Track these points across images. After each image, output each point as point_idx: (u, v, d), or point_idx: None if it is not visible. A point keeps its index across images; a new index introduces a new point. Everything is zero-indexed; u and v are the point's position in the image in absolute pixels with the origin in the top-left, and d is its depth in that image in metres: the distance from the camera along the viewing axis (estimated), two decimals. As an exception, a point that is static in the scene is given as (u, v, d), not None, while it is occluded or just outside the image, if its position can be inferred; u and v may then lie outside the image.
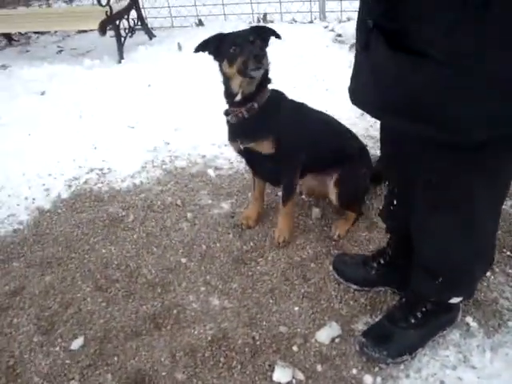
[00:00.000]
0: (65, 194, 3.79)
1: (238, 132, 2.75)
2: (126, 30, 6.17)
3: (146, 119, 4.55)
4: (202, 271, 2.97)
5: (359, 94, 1.89)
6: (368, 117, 3.97)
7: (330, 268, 2.86)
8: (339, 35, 5.65)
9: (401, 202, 2.25)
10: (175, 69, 5.34)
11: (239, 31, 2.67)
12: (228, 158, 3.99)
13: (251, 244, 3.13)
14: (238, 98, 2.61)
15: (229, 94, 2.65)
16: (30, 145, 4.42)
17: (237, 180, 3.74)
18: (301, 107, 2.91)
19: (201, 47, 2.61)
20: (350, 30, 5.75)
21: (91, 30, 6.03)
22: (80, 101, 5.03)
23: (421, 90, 1.59)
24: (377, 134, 3.78)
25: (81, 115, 4.78)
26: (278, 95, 2.80)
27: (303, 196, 3.48)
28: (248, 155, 2.89)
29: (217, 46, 2.57)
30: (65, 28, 6.62)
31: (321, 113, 3.04)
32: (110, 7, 5.71)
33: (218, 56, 2.59)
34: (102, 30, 5.53)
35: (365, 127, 3.99)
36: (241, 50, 2.44)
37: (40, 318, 2.83)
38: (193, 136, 4.25)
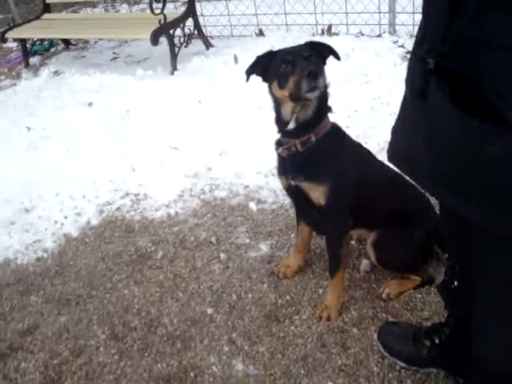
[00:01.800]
0: (95, 220, 3.63)
1: (289, 166, 2.40)
2: (181, 39, 5.97)
3: (191, 140, 4.34)
4: (228, 326, 2.71)
5: (405, 154, 1.54)
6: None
7: (375, 337, 2.52)
8: (409, 52, 5.23)
9: (463, 285, 1.90)
10: (229, 84, 5.11)
11: (292, 47, 2.33)
12: (273, 189, 3.71)
13: (287, 298, 2.84)
14: (291, 126, 2.28)
15: (280, 122, 2.34)
16: (69, 162, 4.32)
17: (280, 216, 3.46)
18: (364, 152, 2.61)
19: (251, 70, 2.35)
20: (422, 47, 5.34)
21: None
22: (126, 115, 4.91)
23: (495, 166, 1.22)
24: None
25: (124, 131, 4.62)
26: (339, 131, 2.46)
27: (352, 241, 3.13)
28: (296, 194, 2.52)
29: (266, 66, 2.28)
30: (117, 36, 6.57)
31: (383, 164, 2.56)
32: (164, 15, 5.56)
33: (267, 77, 2.30)
34: (154, 40, 5.39)
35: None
36: (293, 68, 2.13)
37: (48, 366, 2.67)
38: (238, 162, 4.00)
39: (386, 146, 3.70)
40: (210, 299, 2.89)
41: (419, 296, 2.74)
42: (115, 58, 6.82)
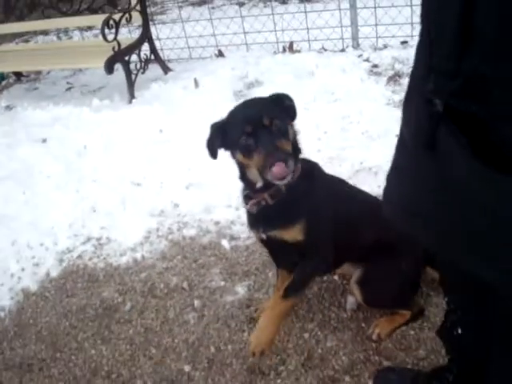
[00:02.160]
0: (55, 271, 3.37)
1: (260, 219, 2.23)
2: (138, 65, 5.74)
3: (154, 174, 4.11)
4: (208, 385, 2.46)
5: (410, 210, 1.32)
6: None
7: (370, 384, 2.31)
8: (375, 65, 5.14)
9: (469, 334, 1.72)
10: (190, 110, 4.91)
11: (246, 109, 2.09)
12: (246, 223, 3.48)
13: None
14: (259, 184, 2.12)
15: (246, 181, 2.18)
16: (24, 206, 4.04)
17: (256, 253, 3.25)
18: (338, 184, 2.45)
19: (212, 144, 2.15)
20: (386, 59, 5.26)
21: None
22: (83, 151, 4.65)
23: None
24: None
25: (82, 168, 4.36)
26: (311, 169, 2.25)
27: (335, 277, 2.94)
28: (271, 244, 2.34)
29: (222, 137, 2.09)
30: (69, 66, 6.31)
31: (361, 193, 2.54)
32: (118, 42, 5.33)
33: (227, 146, 2.11)
34: (109, 68, 5.16)
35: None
36: (255, 143, 1.94)
37: None
38: (206, 195, 3.78)
39: (360, 167, 3.59)
40: (186, 354, 2.66)
41: (412, 333, 2.56)
42: (70, 89, 6.56)
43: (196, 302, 2.94)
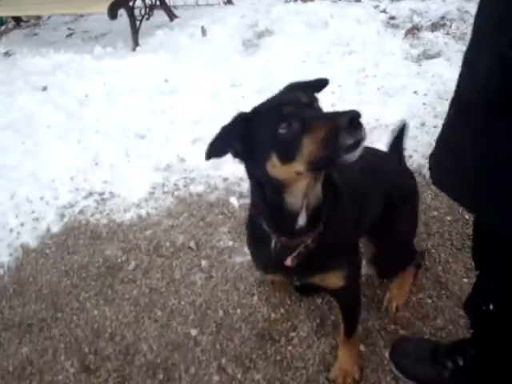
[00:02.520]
0: (55, 226, 3.23)
1: (290, 268, 1.71)
2: (142, 11, 5.48)
3: (159, 126, 3.94)
4: (216, 350, 2.38)
5: (468, 179, 1.23)
6: (431, 129, 3.33)
7: (386, 354, 2.22)
8: (392, 17, 4.89)
9: (501, 310, 1.59)
10: (197, 60, 4.71)
11: (275, 96, 1.56)
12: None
13: (281, 311, 2.52)
14: (302, 220, 1.55)
15: (279, 218, 1.57)
16: (24, 157, 3.88)
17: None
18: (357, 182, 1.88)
19: (215, 150, 1.48)
20: (404, 11, 5.00)
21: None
22: (85, 100, 4.47)
23: None
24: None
25: (84, 118, 4.18)
26: (339, 187, 1.70)
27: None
28: (301, 288, 2.10)
29: (244, 137, 1.47)
30: (71, 11, 6.01)
31: (374, 155, 2.14)
32: (122, -15, 5.06)
33: (253, 154, 1.46)
34: (112, 13, 4.92)
35: (427, 142, 3.27)
36: (302, 124, 1.33)
37: (10, 411, 2.29)
38: (213, 150, 3.59)
39: (376, 124, 3.41)
40: (192, 317, 2.55)
41: (430, 301, 2.45)
42: (71, 35, 6.31)
43: (203, 263, 2.82)
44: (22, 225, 3.29)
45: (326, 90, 3.60)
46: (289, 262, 1.63)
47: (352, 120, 1.22)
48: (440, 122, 3.36)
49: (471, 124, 1.20)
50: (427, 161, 3.06)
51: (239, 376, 2.28)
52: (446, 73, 3.80)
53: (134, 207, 3.29)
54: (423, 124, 3.42)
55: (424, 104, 3.58)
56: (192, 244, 2.94)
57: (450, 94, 3.45)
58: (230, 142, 1.48)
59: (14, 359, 2.52)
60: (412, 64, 4.01)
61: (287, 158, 1.36)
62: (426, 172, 3.07)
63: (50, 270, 2.96)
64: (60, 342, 2.57)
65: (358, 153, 1.27)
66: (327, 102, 3.76)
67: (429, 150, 3.12)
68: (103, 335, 2.55)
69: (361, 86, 3.94)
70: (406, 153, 3.07)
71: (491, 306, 1.64)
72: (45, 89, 4.79)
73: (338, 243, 1.70)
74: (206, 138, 3.33)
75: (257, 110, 1.49)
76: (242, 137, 1.46)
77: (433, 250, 2.64)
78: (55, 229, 3.23)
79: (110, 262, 2.93)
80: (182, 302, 2.64)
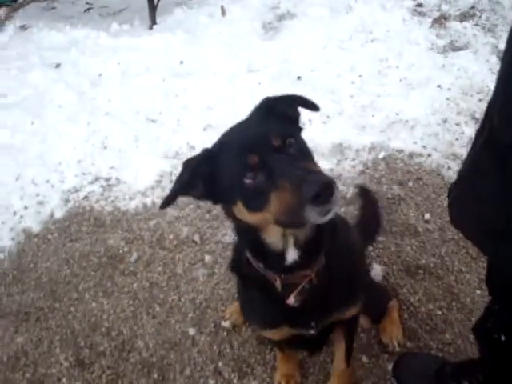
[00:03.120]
0: (59, 211, 3.19)
1: (303, 311, 1.51)
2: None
3: (171, 110, 3.86)
4: (213, 352, 2.33)
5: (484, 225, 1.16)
6: (453, 127, 3.20)
7: (389, 368, 2.14)
8: (419, 4, 4.70)
9: None
10: (215, 42, 4.60)
11: (241, 131, 1.37)
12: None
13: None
14: (292, 256, 1.39)
15: (264, 254, 1.41)
16: (32, 137, 3.85)
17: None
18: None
19: (177, 190, 1.34)
20: (433, -4, 4.79)
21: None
22: (98, 80, 4.40)
23: None
24: (463, 151, 2.99)
25: (95, 99, 4.12)
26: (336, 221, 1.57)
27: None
28: (312, 338, 1.69)
29: (208, 179, 1.32)
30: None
31: None
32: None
33: (217, 196, 1.36)
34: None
35: (448, 140, 3.16)
36: (269, 178, 1.20)
37: (1, 402, 2.26)
38: (225, 138, 3.51)
39: (396, 119, 3.29)
40: (192, 315, 2.50)
41: (439, 313, 2.36)
42: (89, 9, 6.22)
43: (207, 258, 2.75)
44: (25, 208, 3.26)
45: (345, 81, 3.49)
46: (291, 300, 1.43)
47: (318, 195, 1.09)
48: (463, 120, 3.28)
49: (502, 169, 1.09)
50: (447, 161, 2.98)
51: (235, 381, 2.23)
52: (473, 67, 3.65)
53: (139, 195, 3.23)
54: (445, 121, 3.29)
55: (447, 99, 3.44)
56: (196, 237, 2.87)
57: (476, 90, 3.32)
58: (189, 184, 1.33)
59: (9, 349, 2.51)
60: (437, 55, 3.85)
61: (254, 207, 1.23)
62: (445, 173, 2.96)
63: (51, 257, 2.92)
64: (56, 333, 2.54)
65: (326, 219, 1.15)
66: (346, 92, 3.65)
67: (450, 149, 3.06)
68: (100, 329, 2.52)
69: (382, 76, 3.81)
70: (425, 151, 2.97)
71: (503, 337, 1.54)
72: (58, 66, 4.72)
73: (345, 274, 1.56)
74: (217, 126, 3.25)
75: (221, 148, 1.33)
76: (206, 177, 1.31)
77: (446, 258, 2.54)
78: (59, 214, 3.19)
79: (112, 253, 2.88)
80: (182, 299, 2.59)
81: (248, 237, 1.40)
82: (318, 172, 1.17)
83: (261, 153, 1.22)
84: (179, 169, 2.99)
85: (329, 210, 1.12)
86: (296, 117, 1.46)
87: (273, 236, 1.34)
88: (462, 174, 1.34)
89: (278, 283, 1.42)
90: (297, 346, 2.03)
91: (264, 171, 1.20)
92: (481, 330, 1.74)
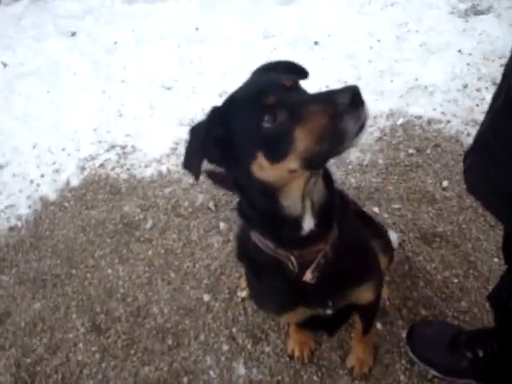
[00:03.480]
0: (75, 179, 3.21)
1: (320, 288, 1.42)
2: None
3: (187, 77, 3.83)
4: (228, 318, 2.34)
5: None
6: (474, 92, 3.13)
7: (403, 335, 2.13)
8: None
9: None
10: (231, 7, 4.52)
11: (249, 81, 1.31)
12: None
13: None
14: (309, 224, 1.28)
15: (280, 229, 1.30)
16: (48, 106, 3.86)
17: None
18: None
19: (197, 159, 1.20)
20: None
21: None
22: (113, 48, 4.38)
23: None
24: (483, 117, 2.91)
25: (111, 66, 4.10)
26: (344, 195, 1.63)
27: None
28: (329, 317, 1.60)
29: (221, 138, 1.20)
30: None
31: None
32: None
33: (233, 157, 1.21)
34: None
35: (468, 106, 3.09)
36: (290, 113, 1.10)
37: (20, 366, 2.37)
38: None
39: (414, 84, 3.22)
40: (206, 282, 2.51)
41: (456, 281, 2.34)
42: (103, -24, 6.12)
43: (221, 225, 2.75)
44: (42, 176, 3.28)
45: (363, 46, 3.41)
46: (308, 276, 1.34)
47: (354, 98, 0.99)
48: (484, 86, 3.20)
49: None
50: (466, 127, 2.92)
51: (249, 347, 2.24)
52: (495, 31, 3.54)
53: (155, 163, 3.22)
54: (465, 86, 3.21)
55: (468, 64, 3.35)
56: (211, 205, 2.87)
57: (498, 55, 3.24)
58: (207, 151, 1.20)
59: (26, 315, 2.55)
60: (458, 20, 3.75)
61: (277, 156, 1.11)
62: (464, 139, 2.91)
63: (68, 224, 2.95)
64: (72, 299, 2.57)
65: (363, 137, 1.06)
66: (364, 58, 3.59)
67: (470, 116, 3.00)
68: (115, 295, 2.54)
69: (402, 41, 3.72)
70: (444, 117, 2.92)
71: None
72: (73, 34, 4.70)
73: (358, 247, 1.52)
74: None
75: (231, 103, 1.22)
76: (218, 138, 1.19)
77: (464, 226, 2.51)
78: (75, 182, 3.21)
79: (128, 220, 2.89)
80: (197, 266, 2.59)
81: (262, 206, 1.26)
82: (355, 89, 1.03)
83: (277, 92, 1.13)
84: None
85: (365, 117, 1.03)
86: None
87: (292, 197, 1.22)
88: (478, 138, 1.30)
89: (292, 261, 1.33)
90: (315, 328, 2.00)
91: (283, 109, 1.10)
92: (496, 298, 1.72)
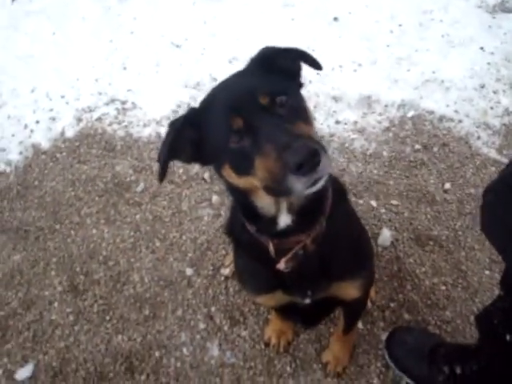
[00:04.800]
0: (71, 130, 3.14)
1: (298, 278, 1.44)
2: None
3: (197, 37, 3.72)
4: (208, 296, 2.31)
5: None
6: (490, 94, 3.05)
7: (382, 338, 2.11)
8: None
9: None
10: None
11: (226, 89, 1.25)
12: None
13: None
14: (285, 221, 1.29)
15: (256, 217, 1.31)
16: (52, 48, 3.76)
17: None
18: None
19: (166, 156, 1.22)
20: None
21: None
22: (125, -5, 4.20)
23: None
24: (495, 122, 2.86)
25: (121, 15, 3.98)
26: (344, 190, 1.59)
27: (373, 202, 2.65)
28: (309, 307, 1.59)
29: (195, 141, 1.23)
30: None
31: None
32: None
33: (206, 158, 1.25)
34: None
35: (483, 108, 3.02)
36: (254, 141, 1.11)
37: (-7, 317, 2.29)
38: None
39: (431, 77, 3.13)
40: (191, 255, 2.48)
41: (443, 288, 2.31)
42: None
43: (214, 198, 2.70)
44: (37, 122, 3.21)
45: (383, 29, 3.31)
46: (282, 265, 1.35)
47: (301, 164, 1.00)
48: (502, 88, 3.12)
49: None
50: (477, 130, 2.85)
51: (226, 328, 2.22)
52: (522, 32, 3.44)
53: (154, 123, 3.15)
54: (483, 86, 3.13)
55: (488, 64, 3.26)
56: (206, 176, 2.81)
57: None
58: (178, 149, 1.23)
59: (5, 265, 2.52)
60: (485, 15, 3.62)
61: (242, 172, 1.15)
62: (474, 142, 2.85)
63: (57, 176, 2.89)
64: (53, 255, 2.53)
65: (313, 189, 1.07)
66: (382, 41, 3.48)
67: (482, 118, 2.92)
68: (97, 257, 2.51)
69: (424, 29, 3.60)
70: (456, 116, 2.85)
71: (508, 337, 1.48)
72: (87, -26, 4.53)
73: (349, 243, 1.49)
74: (243, 60, 3.12)
75: (207, 107, 1.23)
76: (192, 140, 1.22)
77: (460, 232, 2.47)
78: (70, 133, 3.14)
79: (119, 180, 2.83)
80: (184, 237, 2.55)
81: (240, 199, 1.32)
82: (306, 138, 1.07)
83: (246, 114, 1.12)
84: (198, 100, 2.88)
85: (315, 180, 1.04)
86: (296, 71, 1.33)
87: (264, 201, 1.25)
88: (502, 178, 1.23)
89: (270, 248, 1.33)
90: (291, 315, 1.96)
91: (249, 134, 1.11)
92: (485, 321, 1.67)
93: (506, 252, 1.24)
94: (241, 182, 1.19)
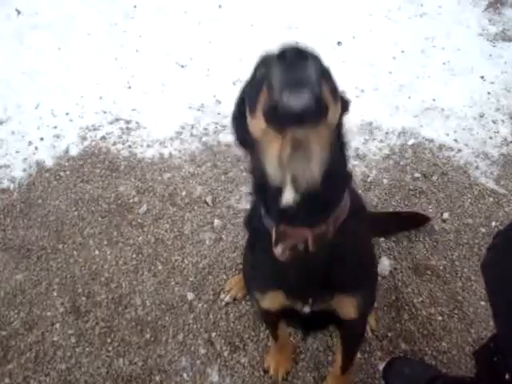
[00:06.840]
0: (75, 148, 3.19)
1: (304, 282, 1.44)
2: None
3: (202, 57, 3.78)
4: (208, 321, 2.35)
5: None
6: (489, 124, 3.12)
7: (379, 367, 2.16)
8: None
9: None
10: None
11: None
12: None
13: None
14: (288, 195, 1.20)
15: (265, 190, 1.25)
16: (57, 64, 3.80)
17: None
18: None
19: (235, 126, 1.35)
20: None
21: None
22: (132, 12, 4.29)
23: None
24: (494, 152, 2.92)
25: (127, 32, 4.03)
26: (362, 206, 1.59)
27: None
28: (309, 318, 1.60)
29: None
30: None
31: None
32: None
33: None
34: None
35: (482, 138, 3.09)
36: (268, 68, 1.06)
37: (-6, 337, 2.33)
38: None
39: (431, 105, 3.20)
40: (192, 280, 2.52)
41: (440, 319, 2.36)
42: None
43: (216, 222, 2.75)
44: (41, 139, 3.26)
45: (386, 55, 3.38)
46: (279, 250, 1.28)
47: (283, 52, 1.01)
48: (501, 118, 3.19)
49: None
50: (476, 159, 2.91)
51: (226, 354, 2.26)
52: (521, 63, 3.52)
53: (157, 144, 3.20)
54: (482, 115, 3.19)
55: (488, 93, 3.33)
56: (209, 199, 2.86)
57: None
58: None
59: (7, 284, 2.55)
60: (486, 43, 3.70)
61: (252, 106, 1.13)
62: (472, 172, 2.91)
63: (61, 195, 2.94)
64: (56, 275, 2.57)
65: (301, 100, 0.99)
66: (385, 67, 3.56)
67: (481, 148, 2.99)
68: (99, 278, 2.55)
69: (426, 56, 3.67)
70: (456, 145, 2.91)
71: (507, 376, 1.51)
72: (93, -11, 4.59)
73: (356, 261, 1.48)
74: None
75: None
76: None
77: (457, 263, 2.52)
78: (74, 151, 3.18)
79: (122, 201, 2.88)
80: (186, 261, 2.60)
81: (257, 169, 1.26)
82: (302, 49, 1.04)
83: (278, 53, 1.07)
84: (202, 123, 2.90)
85: (300, 78, 0.99)
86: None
87: (270, 161, 1.17)
88: (504, 238, 1.28)
89: (273, 235, 1.28)
90: (292, 323, 2.00)
91: (268, 65, 1.09)
92: (483, 358, 1.71)
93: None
94: (253, 125, 1.15)
